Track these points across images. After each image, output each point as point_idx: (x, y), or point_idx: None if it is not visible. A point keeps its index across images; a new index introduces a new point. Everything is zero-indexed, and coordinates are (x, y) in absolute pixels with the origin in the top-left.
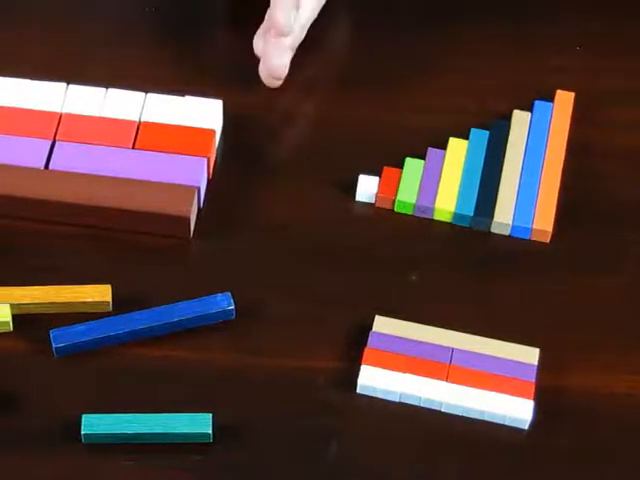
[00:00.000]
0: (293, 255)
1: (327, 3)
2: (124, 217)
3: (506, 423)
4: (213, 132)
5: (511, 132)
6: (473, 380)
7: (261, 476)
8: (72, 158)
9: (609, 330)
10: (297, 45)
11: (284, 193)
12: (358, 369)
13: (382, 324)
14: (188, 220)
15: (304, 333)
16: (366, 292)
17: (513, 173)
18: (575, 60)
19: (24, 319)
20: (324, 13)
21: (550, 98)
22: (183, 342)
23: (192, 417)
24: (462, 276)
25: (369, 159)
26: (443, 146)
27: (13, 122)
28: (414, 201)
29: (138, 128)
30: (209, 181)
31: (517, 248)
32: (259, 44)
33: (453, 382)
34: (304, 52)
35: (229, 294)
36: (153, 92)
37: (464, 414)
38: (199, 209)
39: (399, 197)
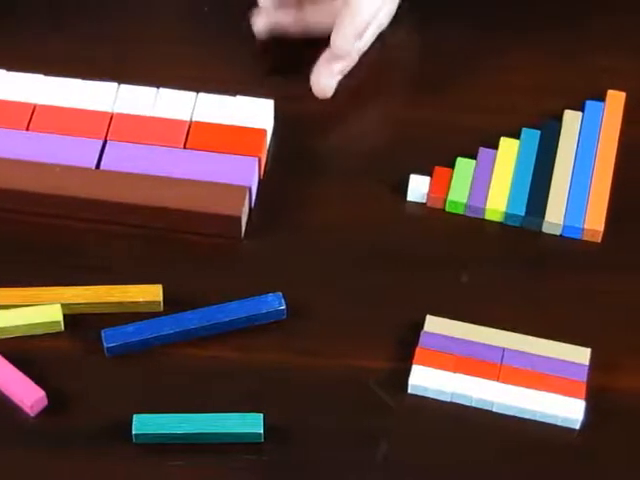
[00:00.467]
0: (344, 255)
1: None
2: (175, 217)
3: (557, 423)
4: (264, 132)
5: (562, 132)
6: (524, 380)
7: (311, 476)
8: (123, 158)
9: None
10: (349, 69)
11: (335, 193)
12: (409, 369)
13: (433, 324)
14: (239, 220)
15: (355, 333)
16: (417, 292)
17: (564, 173)
18: (627, 60)
19: (75, 319)
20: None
21: (601, 98)
22: (234, 342)
23: (243, 417)
24: (513, 276)
25: (420, 159)
26: (494, 146)
27: (65, 122)
28: (465, 201)
29: (189, 128)
30: (260, 181)
31: (568, 248)
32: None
33: (504, 382)
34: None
35: (280, 294)
36: (204, 92)
37: (515, 414)
38: (250, 209)
39: (450, 197)
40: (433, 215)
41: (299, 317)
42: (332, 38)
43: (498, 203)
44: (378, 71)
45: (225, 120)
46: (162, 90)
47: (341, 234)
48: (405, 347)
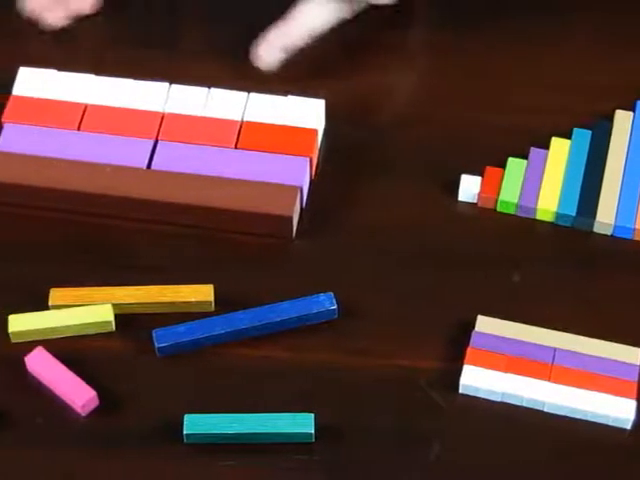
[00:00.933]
0: (395, 255)
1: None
2: (226, 217)
3: (608, 423)
4: (315, 132)
5: (613, 132)
6: (576, 380)
7: (362, 476)
8: (174, 158)
9: None
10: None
11: (386, 193)
12: (460, 369)
13: (484, 324)
14: (291, 220)
15: (406, 333)
16: (468, 292)
17: (615, 173)
18: None
19: (126, 319)
20: (425, 12)
21: None
22: (285, 342)
23: (294, 417)
24: (564, 276)
25: (472, 159)
26: (545, 146)
27: (116, 122)
28: (516, 201)
29: (240, 128)
30: (311, 181)
31: (619, 248)
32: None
33: (556, 382)
34: (401, 52)
35: (331, 294)
36: (256, 92)
37: (567, 414)
38: (301, 209)
39: (501, 197)
40: (484, 215)
41: (350, 317)
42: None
43: (549, 203)
44: (429, 71)
45: (276, 120)
46: (213, 90)
47: (392, 234)
48: (456, 347)
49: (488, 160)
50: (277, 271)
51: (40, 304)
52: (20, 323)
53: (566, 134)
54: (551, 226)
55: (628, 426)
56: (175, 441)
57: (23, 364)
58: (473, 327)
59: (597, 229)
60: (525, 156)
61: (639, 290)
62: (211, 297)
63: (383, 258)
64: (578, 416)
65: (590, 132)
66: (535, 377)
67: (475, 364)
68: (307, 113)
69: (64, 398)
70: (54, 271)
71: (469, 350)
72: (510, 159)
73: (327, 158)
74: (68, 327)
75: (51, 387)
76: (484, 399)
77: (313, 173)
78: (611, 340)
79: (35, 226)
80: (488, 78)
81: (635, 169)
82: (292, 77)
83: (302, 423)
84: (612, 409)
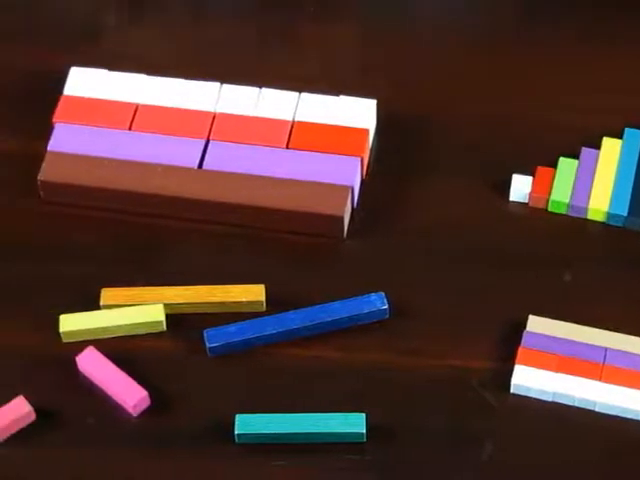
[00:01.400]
0: (446, 255)
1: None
2: (278, 217)
3: None
4: (367, 131)
5: None
6: (627, 380)
7: (414, 476)
8: (226, 158)
9: None
10: None
11: (437, 192)
12: (511, 369)
13: (536, 324)
14: (342, 220)
15: (457, 333)
16: (519, 291)
17: None
18: None
19: (176, 319)
20: (480, 9)
21: None
22: (336, 342)
23: (346, 417)
24: (615, 276)
25: (523, 159)
26: (597, 146)
27: (167, 122)
28: (568, 200)
29: (292, 128)
30: (362, 181)
31: None
32: None
33: (607, 382)
34: (456, 49)
35: (383, 294)
36: (307, 92)
37: (618, 414)
38: (352, 209)
39: (553, 197)
40: (535, 215)
41: (402, 316)
42: None
43: (601, 203)
44: (480, 70)
45: (328, 120)
46: (264, 90)
47: (443, 234)
48: (507, 347)
49: (539, 160)
50: (328, 271)
51: (91, 304)
52: (71, 323)
53: (618, 134)
54: (602, 226)
55: None
56: (226, 441)
57: (74, 364)
58: (524, 327)
59: None
60: (576, 156)
61: None
62: (262, 297)
63: (434, 258)
64: (629, 416)
65: None
66: (586, 377)
67: (526, 364)
68: (358, 113)
69: (115, 398)
70: (105, 271)
71: (520, 350)
72: (561, 159)
73: (378, 158)
74: (119, 327)
75: (102, 387)
76: (535, 399)
77: (364, 173)
78: None
79: (86, 226)
80: (540, 77)
81: None
82: (343, 77)
83: (354, 423)
84: None
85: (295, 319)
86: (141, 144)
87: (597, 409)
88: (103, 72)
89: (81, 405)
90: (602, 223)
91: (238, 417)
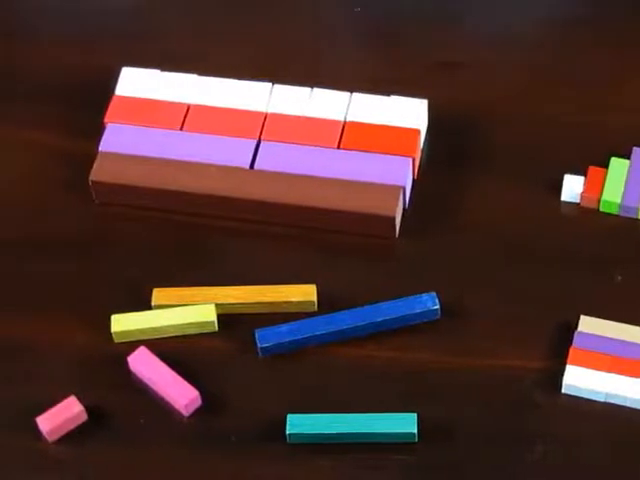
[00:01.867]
0: (498, 254)
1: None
2: (329, 217)
3: None
4: (418, 132)
5: None
6: None
7: (466, 476)
8: (277, 158)
9: None
10: None
11: (488, 192)
12: (563, 369)
13: (587, 324)
14: (394, 220)
15: (508, 333)
16: (570, 291)
17: None
18: None
19: (228, 319)
20: (530, 9)
21: None
22: (387, 342)
23: (397, 417)
24: None
25: (575, 159)
26: None
27: (219, 122)
28: (619, 201)
29: (343, 128)
30: (414, 181)
31: None
32: None
33: None
34: (507, 53)
35: (434, 294)
36: (358, 92)
37: None
38: (404, 209)
39: (604, 197)
40: (587, 215)
41: (453, 317)
42: None
43: None
44: (532, 70)
45: (379, 120)
46: (316, 90)
47: (494, 234)
48: (558, 347)
49: (591, 160)
50: (380, 271)
51: (143, 304)
52: (123, 323)
53: None
54: None
55: None
56: (278, 441)
57: (126, 364)
58: (576, 327)
59: None
60: (628, 156)
61: None
62: (314, 297)
63: (485, 258)
64: None
65: None
66: (638, 377)
67: (578, 364)
68: (410, 113)
69: (167, 398)
70: (157, 271)
71: (572, 350)
72: (613, 159)
73: (430, 157)
74: (171, 327)
75: (154, 387)
76: (587, 399)
77: (416, 173)
78: None
79: (138, 226)
80: (591, 79)
81: None
82: (395, 76)
83: (405, 423)
84: None
85: (346, 319)
86: (192, 144)
87: None
88: (155, 72)
89: (132, 405)
90: None
91: (289, 417)
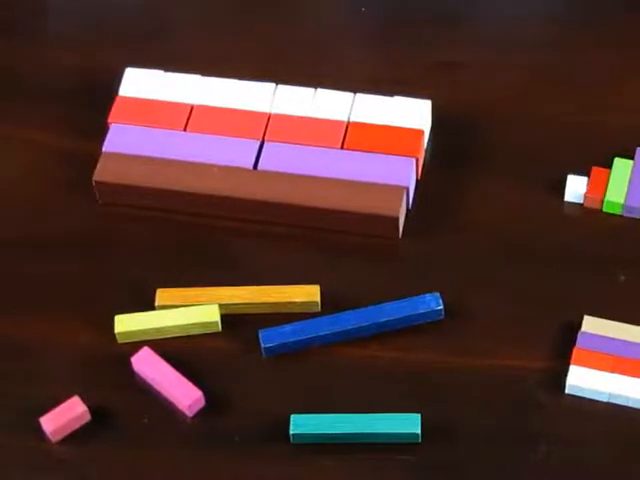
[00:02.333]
0: (501, 255)
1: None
2: (332, 217)
3: None
4: (422, 132)
5: None
6: None
7: (469, 476)
8: (281, 158)
9: None
10: None
11: (492, 193)
12: (566, 369)
13: (591, 324)
14: (397, 220)
15: (511, 333)
16: (574, 292)
17: None
18: None
19: (231, 319)
20: (534, 10)
21: None
22: (390, 342)
23: (401, 417)
24: None
25: (578, 159)
26: None
27: (222, 122)
28: (622, 201)
29: (347, 128)
30: (417, 181)
31: None
32: None
33: None
34: (509, 53)
35: (438, 294)
36: (362, 92)
37: None
38: (408, 209)
39: (608, 197)
40: (590, 215)
41: (456, 317)
42: None
43: None
44: (533, 71)
45: (382, 120)
46: (319, 90)
47: (497, 234)
48: (561, 347)
49: (591, 160)
50: (383, 271)
51: (146, 305)
52: (126, 324)
53: None
54: None
55: None
56: (281, 441)
57: (129, 364)
58: (579, 327)
59: None
60: (631, 156)
61: None
62: (317, 297)
63: (489, 258)
64: None
65: None
66: None
67: (581, 364)
68: (413, 113)
69: (170, 399)
70: (160, 271)
71: (575, 350)
72: (616, 159)
73: (433, 158)
74: (174, 327)
75: (157, 388)
76: (590, 399)
77: (419, 173)
78: None
79: (141, 226)
80: (595, 77)
81: None
82: (398, 77)
83: (409, 423)
84: None
85: (350, 319)
86: (196, 145)
87: None
88: (158, 73)
89: (136, 406)
90: None
91: (293, 417)
